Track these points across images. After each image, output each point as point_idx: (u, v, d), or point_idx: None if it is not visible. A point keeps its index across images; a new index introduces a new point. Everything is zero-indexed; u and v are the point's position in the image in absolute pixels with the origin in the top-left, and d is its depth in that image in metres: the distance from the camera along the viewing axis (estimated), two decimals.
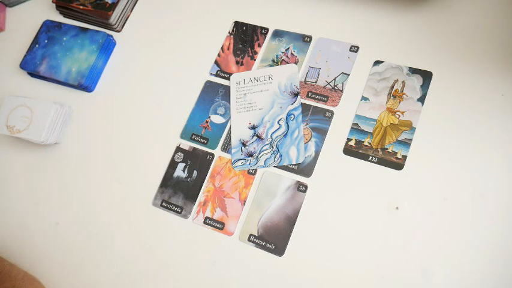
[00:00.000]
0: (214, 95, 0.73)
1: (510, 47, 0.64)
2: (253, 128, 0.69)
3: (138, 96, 0.77)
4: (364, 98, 0.67)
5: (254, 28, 0.76)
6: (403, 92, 0.65)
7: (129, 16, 0.84)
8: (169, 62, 0.78)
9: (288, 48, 0.73)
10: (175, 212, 0.68)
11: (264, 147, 0.68)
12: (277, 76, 0.71)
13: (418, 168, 0.61)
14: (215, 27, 0.78)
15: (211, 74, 0.75)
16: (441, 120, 0.63)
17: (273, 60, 0.73)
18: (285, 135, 0.68)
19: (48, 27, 0.83)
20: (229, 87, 0.73)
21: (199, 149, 0.71)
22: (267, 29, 0.76)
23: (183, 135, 0.72)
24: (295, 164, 0.66)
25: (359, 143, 0.64)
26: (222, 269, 0.63)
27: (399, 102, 0.65)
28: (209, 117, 0.72)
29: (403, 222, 0.59)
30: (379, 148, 0.63)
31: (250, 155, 0.68)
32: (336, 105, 0.68)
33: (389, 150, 0.63)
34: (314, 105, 0.68)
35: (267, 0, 0.78)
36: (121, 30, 0.84)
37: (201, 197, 0.68)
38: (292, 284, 0.61)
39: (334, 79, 0.69)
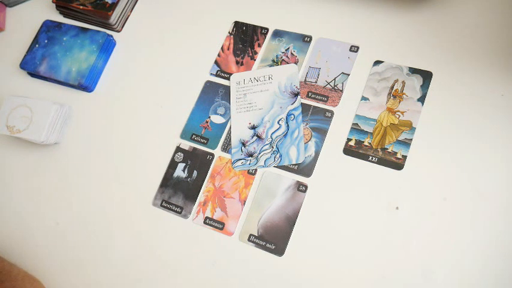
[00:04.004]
0: (214, 95, 0.73)
1: (510, 47, 0.64)
2: (253, 128, 0.69)
3: (138, 96, 0.77)
4: (364, 98, 0.67)
5: (254, 28, 0.76)
6: (403, 92, 0.65)
7: (129, 16, 0.84)
8: (169, 62, 0.78)
9: (288, 48, 0.73)
10: (175, 212, 0.68)
11: (264, 147, 0.68)
12: (277, 76, 0.71)
13: (418, 168, 0.61)
14: (215, 27, 0.78)
15: (211, 74, 0.75)
16: (441, 120, 0.63)
17: (273, 60, 0.73)
18: (285, 135, 0.68)
19: (48, 27, 0.83)
20: (229, 87, 0.73)
21: (199, 149, 0.71)
22: (267, 29, 0.76)
23: (183, 135, 0.72)
24: (295, 164, 0.66)
25: (359, 143, 0.64)
26: (222, 269, 0.64)
27: (399, 102, 0.65)
28: (209, 117, 0.72)
29: (403, 222, 0.59)
30: (379, 148, 0.63)
31: (250, 155, 0.68)
32: (336, 105, 0.68)
33: (390, 150, 0.63)
34: (314, 105, 0.68)
35: (267, 0, 0.78)
36: (121, 30, 0.84)
37: (201, 197, 0.68)
38: (292, 284, 0.61)
39: (334, 79, 0.69)
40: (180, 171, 0.70)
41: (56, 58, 0.80)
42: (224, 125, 0.71)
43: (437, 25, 0.68)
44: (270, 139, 0.68)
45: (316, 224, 0.62)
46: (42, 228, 0.73)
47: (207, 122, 0.72)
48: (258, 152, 0.68)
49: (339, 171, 0.64)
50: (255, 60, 0.74)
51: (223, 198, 0.67)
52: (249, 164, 0.67)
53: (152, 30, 0.82)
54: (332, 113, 0.67)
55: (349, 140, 0.65)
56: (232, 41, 0.76)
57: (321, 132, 0.67)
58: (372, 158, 0.63)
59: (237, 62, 0.75)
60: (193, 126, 0.72)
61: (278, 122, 0.69)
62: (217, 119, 0.72)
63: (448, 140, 0.62)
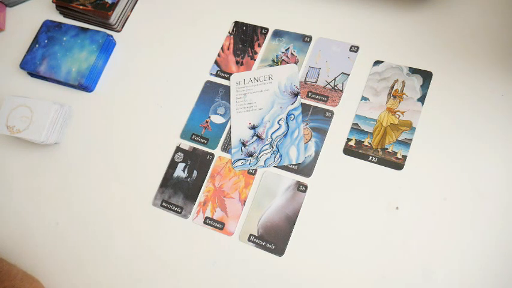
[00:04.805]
0: (214, 95, 0.73)
1: (510, 47, 0.64)
2: (253, 128, 0.69)
3: (138, 96, 0.77)
4: (364, 98, 0.67)
5: (254, 28, 0.76)
6: (403, 92, 0.65)
7: (129, 16, 0.84)
8: (169, 62, 0.78)
9: (288, 48, 0.73)
10: (175, 212, 0.68)
11: (264, 147, 0.68)
12: (277, 76, 0.71)
13: (418, 168, 0.61)
14: (215, 27, 0.78)
15: (211, 74, 0.75)
16: (441, 120, 0.63)
17: (273, 60, 0.73)
18: (285, 135, 0.68)
19: (48, 27, 0.83)
20: (229, 87, 0.73)
21: (199, 149, 0.71)
22: (267, 29, 0.76)
23: (183, 135, 0.72)
24: (295, 164, 0.66)
25: (359, 143, 0.64)
26: (222, 269, 0.63)
27: (399, 102, 0.65)
28: (209, 117, 0.72)
29: (403, 222, 0.59)
30: (379, 148, 0.63)
31: (250, 155, 0.68)
32: (336, 105, 0.68)
33: (390, 150, 0.63)
34: (314, 105, 0.68)
35: (267, 0, 0.78)
36: (121, 30, 0.84)
37: (201, 197, 0.68)
38: (292, 284, 0.61)
39: (334, 79, 0.69)
40: (180, 171, 0.70)
41: (56, 58, 0.80)
42: (224, 125, 0.71)
43: (437, 25, 0.68)
44: (270, 139, 0.68)
45: (316, 224, 0.62)
46: (42, 228, 0.73)
47: (207, 122, 0.72)
48: (258, 152, 0.68)
49: (339, 171, 0.64)
50: (255, 60, 0.74)
51: (223, 198, 0.67)
52: (249, 164, 0.67)
53: (152, 30, 0.82)
54: (332, 113, 0.67)
55: (349, 140, 0.65)
56: (232, 41, 0.76)
57: (321, 132, 0.67)
58: (372, 158, 0.63)
59: (237, 62, 0.75)
60: (193, 126, 0.72)
61: (278, 122, 0.69)
62: (217, 119, 0.72)
63: (448, 140, 0.62)
